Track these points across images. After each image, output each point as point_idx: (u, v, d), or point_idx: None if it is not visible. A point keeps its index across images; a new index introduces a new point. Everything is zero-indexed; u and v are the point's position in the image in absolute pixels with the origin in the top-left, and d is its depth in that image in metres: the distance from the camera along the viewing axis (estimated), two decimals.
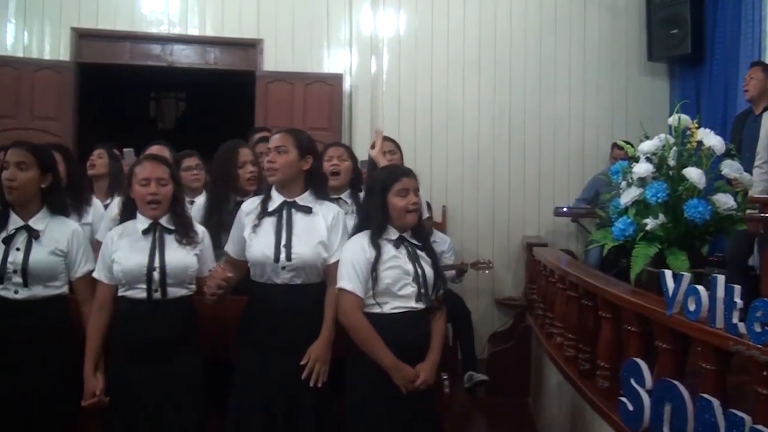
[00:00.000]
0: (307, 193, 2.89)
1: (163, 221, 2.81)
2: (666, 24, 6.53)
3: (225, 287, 2.71)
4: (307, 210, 2.86)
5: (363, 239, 2.78)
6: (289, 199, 2.86)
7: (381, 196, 2.79)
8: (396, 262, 2.74)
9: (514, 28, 6.87)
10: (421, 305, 2.76)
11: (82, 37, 6.44)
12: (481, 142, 6.83)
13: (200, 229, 2.92)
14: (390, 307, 2.72)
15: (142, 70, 6.86)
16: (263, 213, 2.86)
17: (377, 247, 2.74)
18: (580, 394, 3.31)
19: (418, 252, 2.82)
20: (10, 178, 2.72)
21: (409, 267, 2.75)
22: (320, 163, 3.04)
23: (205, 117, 9.03)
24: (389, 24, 6.77)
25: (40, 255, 2.75)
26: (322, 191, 2.97)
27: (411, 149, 6.18)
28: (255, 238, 2.83)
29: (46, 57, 6.38)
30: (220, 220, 3.31)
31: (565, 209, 6.49)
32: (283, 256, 2.77)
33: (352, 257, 2.74)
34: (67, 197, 3.17)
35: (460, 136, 6.79)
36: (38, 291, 2.75)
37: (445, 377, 3.08)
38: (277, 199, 2.87)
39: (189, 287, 2.80)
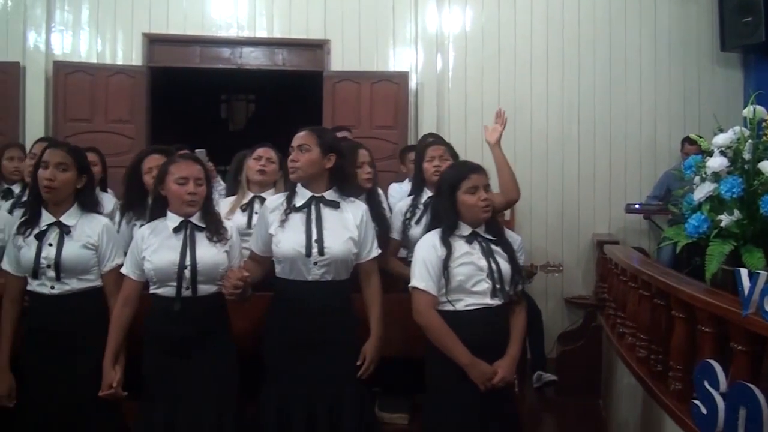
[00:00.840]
0: (332, 191, 2.90)
1: (194, 219, 2.84)
2: (739, 12, 6.30)
3: (242, 287, 2.72)
4: (335, 205, 2.87)
5: (434, 237, 2.77)
6: (316, 194, 2.87)
7: (450, 194, 2.78)
8: (468, 259, 2.72)
9: (582, 19, 6.75)
10: (497, 301, 2.73)
11: (154, 42, 6.64)
12: (550, 137, 6.74)
13: (229, 226, 2.95)
14: (464, 304, 2.70)
15: (213, 72, 7.01)
16: (290, 209, 2.86)
17: (448, 245, 2.73)
18: (651, 396, 3.23)
19: (493, 247, 2.79)
20: (50, 178, 2.79)
21: (483, 263, 2.73)
22: (345, 162, 3.01)
23: (274, 117, 9.15)
24: (455, 20, 6.74)
25: (71, 249, 2.82)
26: (347, 189, 2.97)
27: (478, 147, 6.08)
28: (283, 234, 2.83)
29: (119, 62, 6.60)
30: None
31: (636, 206, 6.34)
32: (315, 250, 2.77)
33: (424, 255, 2.73)
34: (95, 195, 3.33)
35: (528, 133, 6.71)
36: (73, 284, 2.82)
37: (515, 376, 3.05)
38: (303, 194, 2.87)
39: (218, 284, 2.82)
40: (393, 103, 6.56)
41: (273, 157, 3.85)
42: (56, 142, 2.96)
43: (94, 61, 6.58)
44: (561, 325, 6.51)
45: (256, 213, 3.51)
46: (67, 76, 6.45)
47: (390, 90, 6.57)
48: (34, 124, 6.43)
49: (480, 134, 6.49)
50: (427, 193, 3.63)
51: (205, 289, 2.78)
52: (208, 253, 2.79)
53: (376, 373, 2.89)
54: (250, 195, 3.76)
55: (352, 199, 2.98)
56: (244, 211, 3.70)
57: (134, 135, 6.42)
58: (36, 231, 2.83)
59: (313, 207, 2.85)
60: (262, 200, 3.60)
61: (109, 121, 6.49)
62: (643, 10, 6.75)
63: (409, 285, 2.75)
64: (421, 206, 3.63)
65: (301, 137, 2.86)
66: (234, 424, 2.78)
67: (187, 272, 2.73)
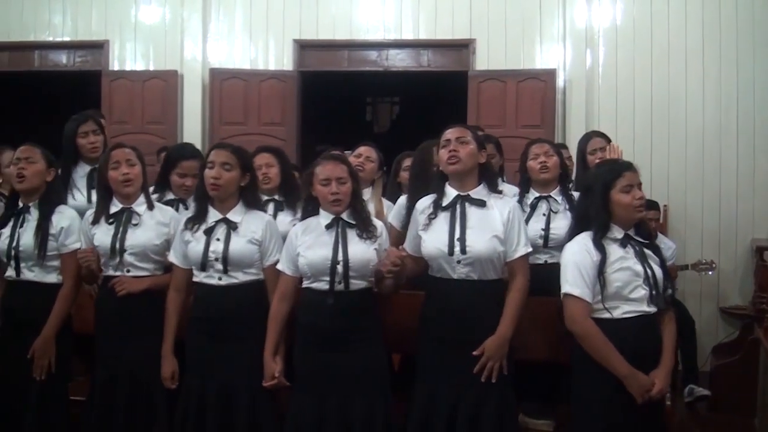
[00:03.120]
0: (480, 187, 2.90)
1: (345, 216, 2.92)
2: None
3: (400, 265, 2.77)
4: (481, 203, 2.86)
5: (586, 241, 2.69)
6: (462, 193, 2.88)
7: (603, 193, 2.68)
8: (624, 263, 2.64)
9: (740, 7, 6.41)
10: (653, 308, 2.65)
11: (304, 47, 6.93)
12: (706, 134, 6.45)
13: (379, 224, 3.01)
14: (621, 311, 2.62)
15: (359, 75, 7.20)
16: (437, 208, 2.90)
17: (602, 249, 2.65)
18: None
19: (645, 251, 2.71)
20: (216, 177, 2.95)
21: (639, 268, 2.64)
22: (522, 161, 3.04)
23: (418, 118, 9.30)
24: (605, 14, 6.58)
25: (238, 244, 2.96)
26: (495, 185, 2.98)
27: (629, 144, 6.01)
28: (429, 234, 2.88)
29: (271, 68, 6.95)
30: None
31: None
32: (457, 249, 2.79)
33: (577, 260, 2.66)
34: (281, 195, 3.54)
35: (682, 129, 6.45)
36: (238, 277, 2.97)
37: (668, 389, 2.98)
38: (450, 193, 2.90)
39: (369, 280, 2.91)
40: (539, 101, 6.49)
41: (373, 156, 3.94)
42: (222, 143, 3.15)
43: (247, 67, 6.95)
44: (715, 336, 6.21)
45: None
46: (222, 83, 6.86)
47: (536, 88, 6.51)
48: (192, 128, 6.90)
49: (632, 132, 6.44)
50: (533, 194, 3.60)
51: (357, 284, 2.87)
52: (358, 249, 2.88)
53: (519, 377, 2.89)
54: None
55: (501, 195, 2.98)
56: None
57: (285, 137, 6.72)
58: (204, 227, 3.01)
59: (458, 206, 2.87)
60: None
61: (262, 124, 6.85)
62: None
63: (562, 291, 2.69)
64: (527, 207, 3.59)
65: (458, 130, 2.89)
66: (384, 418, 2.85)
67: (339, 267, 2.84)
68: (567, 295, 2.66)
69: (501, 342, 2.77)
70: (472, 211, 2.86)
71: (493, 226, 2.83)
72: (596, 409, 2.66)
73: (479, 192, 2.90)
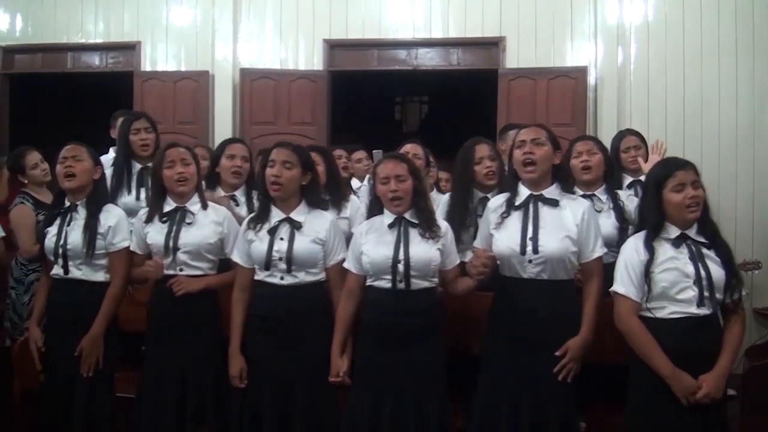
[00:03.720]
0: (553, 187, 2.91)
1: (408, 215, 2.95)
2: None
3: (489, 266, 2.79)
4: (554, 203, 2.87)
5: (638, 240, 2.71)
6: (535, 193, 2.89)
7: (655, 193, 2.70)
8: (673, 264, 2.64)
9: None
10: (704, 310, 2.62)
11: (333, 47, 6.97)
12: (740, 132, 6.37)
13: (443, 225, 3.02)
14: (667, 312, 2.63)
15: (388, 74, 7.23)
16: (509, 207, 2.91)
17: (651, 249, 2.66)
18: None
19: (704, 251, 2.68)
20: (277, 175, 2.98)
21: (690, 269, 2.63)
22: (566, 158, 3.03)
23: (447, 117, 9.33)
24: (636, 10, 6.53)
25: (302, 244, 3.00)
26: (569, 185, 2.98)
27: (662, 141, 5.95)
28: (501, 232, 2.90)
29: (301, 68, 7.00)
30: (463, 217, 3.41)
31: None
32: (529, 249, 2.80)
33: (627, 259, 2.70)
34: (327, 193, 3.51)
35: (715, 127, 6.38)
36: (301, 277, 3.00)
37: (732, 392, 2.94)
38: (523, 193, 2.91)
39: (432, 280, 2.92)
40: (570, 99, 6.47)
41: (419, 153, 3.96)
42: (283, 142, 3.16)
43: (277, 67, 7.01)
44: (749, 338, 6.12)
45: None
46: (252, 83, 6.93)
47: (567, 86, 6.48)
48: (223, 128, 6.97)
49: (663, 130, 6.38)
50: (578, 192, 3.54)
51: (418, 283, 2.89)
52: (420, 248, 2.90)
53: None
54: None
55: (575, 196, 2.99)
56: None
57: (315, 136, 6.75)
58: (267, 226, 3.04)
59: (531, 205, 2.89)
60: None
61: (292, 123, 6.91)
62: None
63: (611, 289, 2.73)
64: None
65: (533, 131, 2.90)
66: (439, 417, 2.87)
67: (400, 266, 2.86)
68: (615, 293, 2.71)
69: (584, 344, 2.80)
70: (544, 210, 2.87)
71: (566, 226, 2.85)
72: (649, 409, 2.66)
73: (552, 192, 2.91)
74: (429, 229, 2.93)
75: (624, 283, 2.68)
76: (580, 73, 6.50)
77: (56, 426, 3.13)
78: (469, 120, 7.58)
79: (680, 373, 2.57)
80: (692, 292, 2.62)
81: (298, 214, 3.05)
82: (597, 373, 2.93)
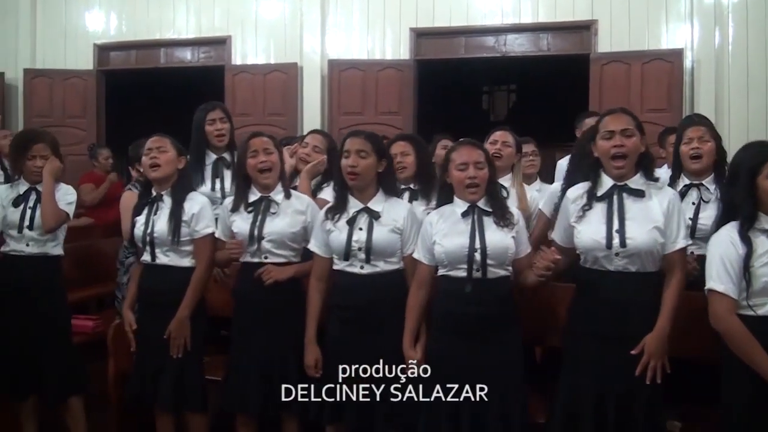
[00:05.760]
0: (638, 176, 2.77)
1: (481, 204, 2.89)
2: None
3: (553, 269, 2.71)
4: (640, 194, 2.74)
5: (732, 232, 2.54)
6: (619, 183, 2.76)
7: (748, 180, 2.52)
8: None
9: None
10: None
11: (420, 36, 7.06)
12: None
13: (515, 212, 2.96)
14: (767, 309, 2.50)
15: (475, 63, 7.26)
16: (591, 198, 2.80)
17: (748, 241, 2.50)
18: None
19: None
20: (353, 165, 2.98)
21: None
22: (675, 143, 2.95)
23: (535, 106, 9.27)
24: None
25: (381, 233, 2.99)
26: (652, 173, 2.90)
27: (762, 126, 5.82)
28: (584, 225, 2.78)
29: (388, 57, 7.13)
30: None
31: None
32: (616, 241, 2.69)
33: (722, 254, 2.53)
34: (417, 183, 3.52)
35: None
36: (380, 266, 3.00)
37: None
38: (606, 183, 2.79)
39: (507, 269, 2.87)
40: (666, 84, 6.35)
41: (510, 141, 3.82)
42: (357, 131, 3.19)
43: (364, 57, 7.16)
44: None
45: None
46: (340, 73, 7.10)
47: (662, 70, 6.37)
48: (311, 118, 7.17)
49: (764, 113, 6.18)
50: (684, 180, 3.41)
51: (494, 272, 2.85)
52: (496, 237, 2.85)
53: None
54: None
55: (660, 184, 2.85)
56: None
57: (402, 126, 6.84)
58: (346, 217, 3.06)
59: (615, 196, 2.76)
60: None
61: (379, 113, 7.04)
62: None
63: (706, 287, 2.56)
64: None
65: (622, 120, 2.76)
66: (519, 410, 2.84)
67: (477, 255, 2.82)
68: (711, 291, 2.55)
69: (661, 339, 2.68)
70: (630, 201, 2.75)
71: (653, 217, 2.72)
72: (745, 412, 2.54)
73: (637, 181, 2.78)
74: (503, 217, 2.88)
75: (722, 280, 2.50)
76: (676, 56, 6.38)
77: (145, 407, 3.29)
78: (558, 108, 7.53)
79: None
80: None
81: (376, 203, 3.06)
82: (692, 370, 2.83)
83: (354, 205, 3.06)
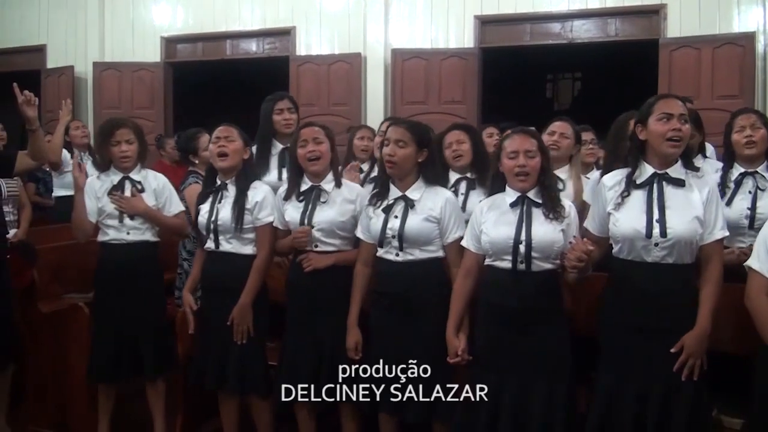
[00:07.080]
0: (678, 164, 2.73)
1: (531, 194, 2.86)
2: None
3: (586, 260, 2.66)
4: (680, 183, 2.70)
5: None
6: (660, 171, 2.73)
7: None
8: None
9: None
10: None
11: (485, 23, 7.07)
12: None
13: (567, 204, 2.91)
14: None
15: (540, 51, 7.23)
16: (629, 185, 2.75)
17: None
18: None
19: None
20: (391, 154, 3.04)
21: None
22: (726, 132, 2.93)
23: (601, 94, 9.16)
24: None
25: (414, 222, 3.03)
26: (692, 162, 2.81)
27: None
28: (622, 213, 2.74)
29: (452, 46, 7.15)
30: None
31: None
32: (656, 231, 2.65)
33: (764, 233, 2.56)
34: (473, 172, 3.58)
35: None
36: (416, 254, 3.05)
37: None
38: (646, 170, 2.74)
39: (554, 262, 2.83)
40: (737, 69, 6.22)
41: (568, 132, 3.73)
42: (396, 119, 3.23)
43: (428, 46, 7.20)
44: None
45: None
46: (403, 63, 7.17)
47: (734, 54, 6.24)
48: (374, 108, 7.26)
49: None
50: (738, 169, 3.40)
51: (540, 265, 2.83)
52: (543, 229, 2.83)
53: (715, 369, 2.72)
54: None
55: (700, 174, 2.82)
56: None
57: (465, 115, 6.87)
58: (385, 203, 3.12)
59: (655, 184, 2.72)
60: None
61: (443, 102, 7.09)
62: None
63: (745, 263, 2.58)
64: (731, 184, 3.40)
65: (681, 106, 2.71)
66: (565, 402, 2.82)
67: (522, 247, 2.81)
68: (749, 268, 2.56)
69: (701, 337, 2.64)
70: (670, 190, 2.71)
71: (693, 206, 2.69)
72: None
73: (677, 170, 2.73)
74: (553, 209, 2.83)
75: (760, 258, 2.52)
76: (748, 39, 6.24)
77: (209, 390, 3.43)
78: (625, 97, 7.43)
79: None
80: None
81: (414, 191, 3.09)
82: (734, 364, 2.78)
83: (394, 192, 3.12)
